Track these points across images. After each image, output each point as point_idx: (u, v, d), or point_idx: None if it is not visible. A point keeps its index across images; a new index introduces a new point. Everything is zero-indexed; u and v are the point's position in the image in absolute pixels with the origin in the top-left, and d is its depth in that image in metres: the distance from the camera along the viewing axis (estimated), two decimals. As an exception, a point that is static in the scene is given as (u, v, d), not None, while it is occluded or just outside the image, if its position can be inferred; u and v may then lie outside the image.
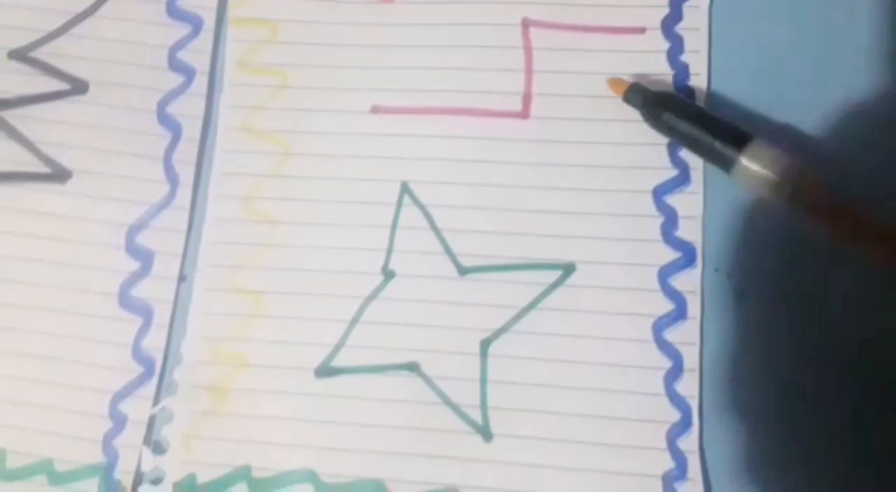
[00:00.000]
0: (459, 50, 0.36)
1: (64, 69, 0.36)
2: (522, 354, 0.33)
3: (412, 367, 0.33)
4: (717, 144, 0.32)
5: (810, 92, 0.34)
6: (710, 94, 0.35)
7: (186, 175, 0.35)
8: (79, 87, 0.36)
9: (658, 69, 0.35)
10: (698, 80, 0.35)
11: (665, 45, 0.35)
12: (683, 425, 0.32)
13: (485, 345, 0.33)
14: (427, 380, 0.33)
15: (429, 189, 0.35)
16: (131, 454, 0.33)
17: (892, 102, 0.34)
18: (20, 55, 0.36)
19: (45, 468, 0.33)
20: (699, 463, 0.31)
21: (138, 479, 0.33)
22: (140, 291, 0.34)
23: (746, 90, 0.35)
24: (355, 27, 0.36)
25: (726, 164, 0.32)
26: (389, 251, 0.35)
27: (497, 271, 0.34)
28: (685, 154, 0.34)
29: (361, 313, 0.34)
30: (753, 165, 0.31)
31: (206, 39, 0.37)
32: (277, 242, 0.35)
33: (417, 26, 0.36)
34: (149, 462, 0.33)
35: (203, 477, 0.33)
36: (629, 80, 0.34)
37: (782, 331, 0.32)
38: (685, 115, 0.33)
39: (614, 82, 0.34)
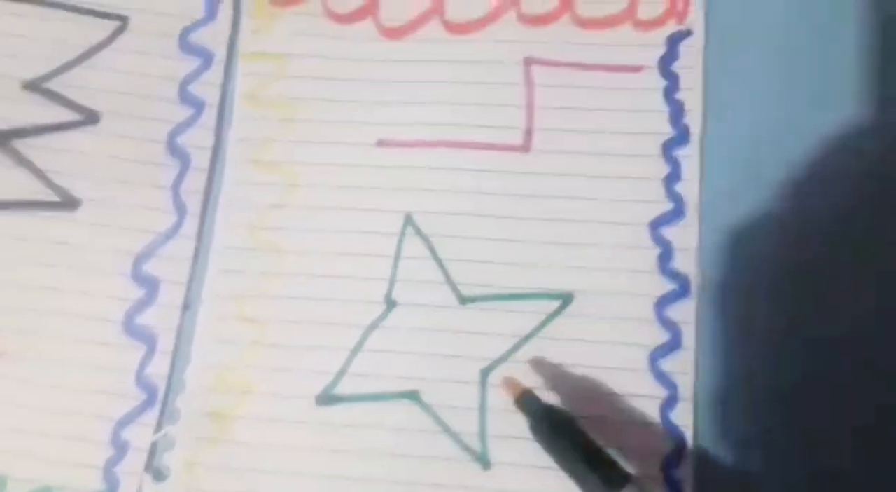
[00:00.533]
0: (464, 86, 0.37)
1: (76, 100, 0.37)
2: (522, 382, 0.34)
3: (412, 395, 0.34)
4: (592, 480, 0.30)
5: (803, 125, 0.35)
6: (705, 131, 0.36)
7: (194, 205, 0.36)
8: (91, 117, 0.37)
9: (654, 106, 0.36)
10: (692, 117, 0.36)
11: (662, 82, 0.36)
12: (678, 454, 0.32)
13: (484, 373, 0.34)
14: (427, 408, 0.34)
15: (432, 220, 0.36)
16: (132, 482, 0.33)
17: (881, 135, 0.35)
18: (35, 86, 0.37)
19: (45, 495, 0.33)
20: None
21: (139, 506, 0.33)
22: (145, 318, 0.35)
23: (741, 128, 0.36)
24: (363, 63, 0.38)
25: None
26: (392, 280, 0.35)
27: (497, 301, 0.35)
28: (681, 187, 0.35)
29: (363, 342, 0.34)
30: None
31: (216, 73, 0.38)
32: (283, 270, 0.35)
33: (423, 63, 0.37)
34: (149, 490, 0.33)
35: (204, 505, 0.33)
36: (524, 386, 0.32)
37: (780, 361, 0.33)
38: (567, 438, 0.31)
39: (509, 382, 0.33)
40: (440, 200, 0.36)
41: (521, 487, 0.32)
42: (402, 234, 0.36)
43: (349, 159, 0.37)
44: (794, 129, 0.35)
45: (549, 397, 0.32)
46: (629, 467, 0.32)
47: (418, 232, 0.36)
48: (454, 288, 0.35)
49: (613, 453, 0.32)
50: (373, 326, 0.35)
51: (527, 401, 0.32)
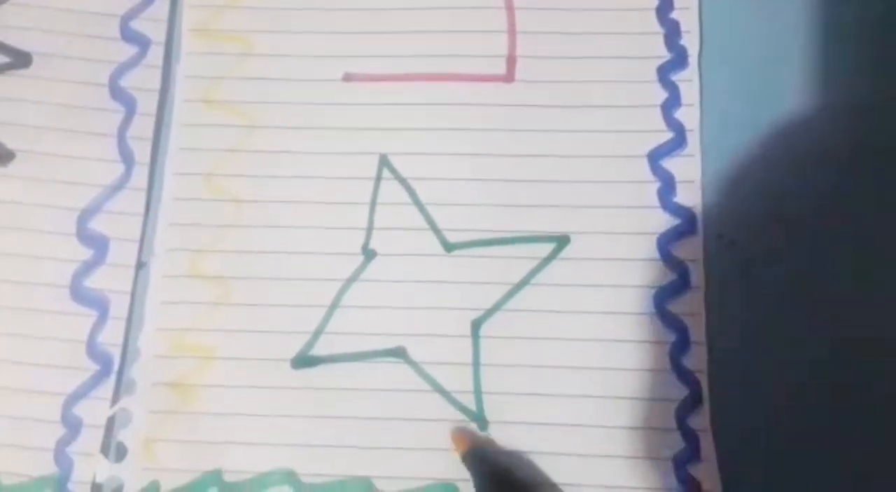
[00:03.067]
0: (437, 11, 0.34)
1: (4, 41, 0.33)
2: (516, 333, 0.30)
3: (398, 353, 0.31)
4: None
5: (806, 44, 0.33)
6: (702, 55, 0.33)
7: (142, 153, 0.32)
8: (21, 60, 0.33)
9: (648, 27, 0.33)
10: (689, 39, 0.33)
11: (654, 2, 0.33)
12: (692, 402, 0.29)
13: (476, 325, 0.31)
14: (415, 366, 0.30)
15: (409, 161, 0.32)
16: (87, 463, 0.30)
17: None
18: (-47, 26, 0.33)
19: (-11, 483, 0.30)
20: (712, 442, 0.29)
21: (95, 490, 0.30)
22: (94, 281, 0.31)
23: (740, 49, 0.33)
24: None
25: None
26: (369, 229, 0.32)
27: (486, 246, 0.31)
28: (681, 114, 0.32)
29: (341, 297, 0.31)
30: None
31: (161, 6, 0.34)
32: (243, 222, 0.32)
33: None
34: (106, 471, 0.30)
35: (168, 484, 0.30)
36: (473, 441, 0.29)
37: (791, 299, 0.30)
38: None
39: (457, 436, 0.29)
40: (417, 139, 0.33)
41: (522, 446, 0.29)
42: (378, 178, 0.32)
43: (313, 97, 0.33)
44: (796, 47, 0.33)
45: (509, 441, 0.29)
46: (641, 419, 0.29)
47: (395, 175, 0.32)
48: (438, 234, 0.32)
49: (622, 405, 0.29)
50: (351, 280, 0.31)
51: (472, 457, 0.29)
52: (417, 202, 0.32)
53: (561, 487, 0.29)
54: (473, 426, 0.30)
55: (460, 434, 0.29)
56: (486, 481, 0.28)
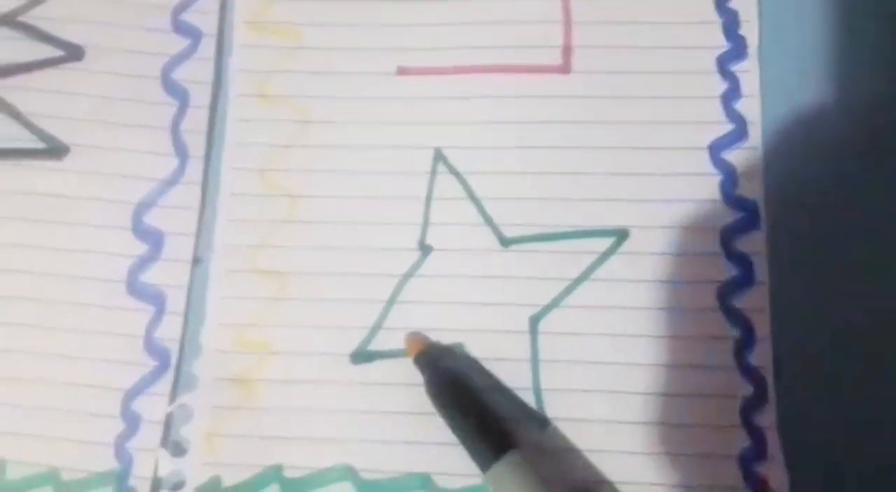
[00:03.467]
0: (491, 2, 0.33)
1: (57, 34, 0.33)
2: (575, 329, 0.30)
3: (456, 348, 0.30)
4: (473, 447, 0.28)
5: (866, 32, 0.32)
6: (761, 44, 0.32)
7: (196, 147, 0.32)
8: (74, 53, 0.33)
9: (706, 16, 0.32)
10: (748, 28, 0.32)
11: (714, -11, 0.33)
12: (758, 399, 0.29)
13: (534, 321, 0.30)
14: (473, 362, 0.30)
15: (464, 155, 0.32)
16: (147, 458, 0.30)
17: None
18: (8, 20, 0.33)
19: (50, 479, 0.29)
20: (778, 440, 0.29)
21: (156, 485, 0.29)
22: (150, 276, 0.31)
23: (799, 38, 0.32)
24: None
25: (482, 465, 0.28)
26: (425, 225, 0.31)
27: (543, 241, 0.31)
28: (741, 106, 0.32)
29: (398, 293, 0.31)
30: (504, 477, 0.27)
31: (212, -3, 0.34)
32: (300, 218, 0.32)
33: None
34: (167, 466, 0.30)
35: (229, 480, 0.30)
36: (424, 344, 0.30)
37: (858, 293, 0.30)
38: (457, 402, 0.29)
39: (410, 339, 0.30)
40: (472, 132, 0.32)
41: (583, 444, 0.29)
42: (433, 172, 0.32)
43: (366, 91, 0.33)
44: (856, 35, 0.32)
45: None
46: (705, 416, 0.29)
47: (450, 169, 0.32)
48: (495, 229, 0.31)
49: (686, 401, 0.29)
50: (408, 275, 0.31)
51: (424, 359, 0.29)
52: (473, 197, 0.32)
53: (623, 485, 0.29)
54: (534, 424, 0.29)
55: (412, 338, 0.30)
56: (432, 378, 0.29)
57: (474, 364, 0.30)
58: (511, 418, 0.29)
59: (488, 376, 0.30)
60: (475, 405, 0.28)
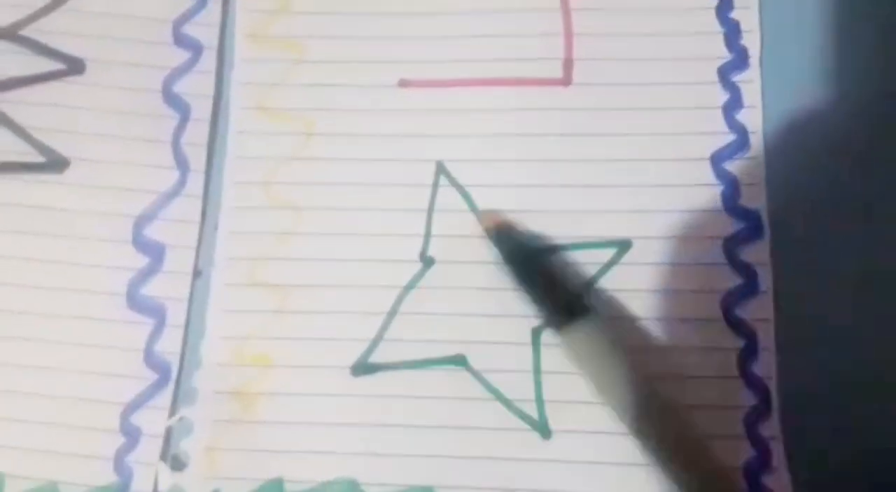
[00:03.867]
0: (492, 15, 0.33)
1: (57, 48, 0.33)
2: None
3: (459, 360, 0.30)
4: (549, 308, 0.29)
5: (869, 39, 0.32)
6: (763, 54, 0.32)
7: (197, 160, 0.32)
8: (75, 66, 0.33)
9: (707, 27, 0.32)
10: (750, 38, 0.32)
11: (714, 1, 0.33)
12: (762, 409, 0.29)
13: (536, 333, 0.30)
14: (475, 374, 0.30)
15: (466, 168, 0.32)
16: (147, 472, 0.29)
17: None
18: (8, 34, 0.33)
19: (49, 493, 0.29)
20: (782, 451, 0.28)
21: (156, 499, 0.29)
22: (151, 289, 0.31)
23: (801, 48, 0.32)
24: (374, -9, 0.34)
25: (557, 328, 0.29)
26: (427, 236, 0.31)
27: (545, 253, 0.31)
28: (742, 116, 0.32)
29: (399, 305, 0.31)
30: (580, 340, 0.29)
31: (213, 11, 0.33)
32: (301, 230, 0.31)
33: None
34: (167, 480, 0.29)
35: (229, 494, 0.29)
36: (502, 220, 0.31)
37: (863, 302, 0.30)
38: (533, 268, 0.30)
39: (487, 215, 0.31)
40: (474, 144, 0.32)
41: (587, 456, 0.29)
42: (435, 184, 0.32)
43: (369, 103, 0.33)
44: (857, 45, 0.32)
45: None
46: (709, 427, 0.29)
47: (452, 182, 0.32)
48: (496, 240, 0.31)
49: (691, 413, 0.29)
50: (409, 287, 0.31)
51: (503, 237, 0.30)
52: (475, 209, 0.32)
53: (629, 497, 0.29)
54: (536, 436, 0.29)
55: (489, 214, 0.31)
56: (511, 251, 0.30)
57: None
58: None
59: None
60: (550, 273, 0.30)
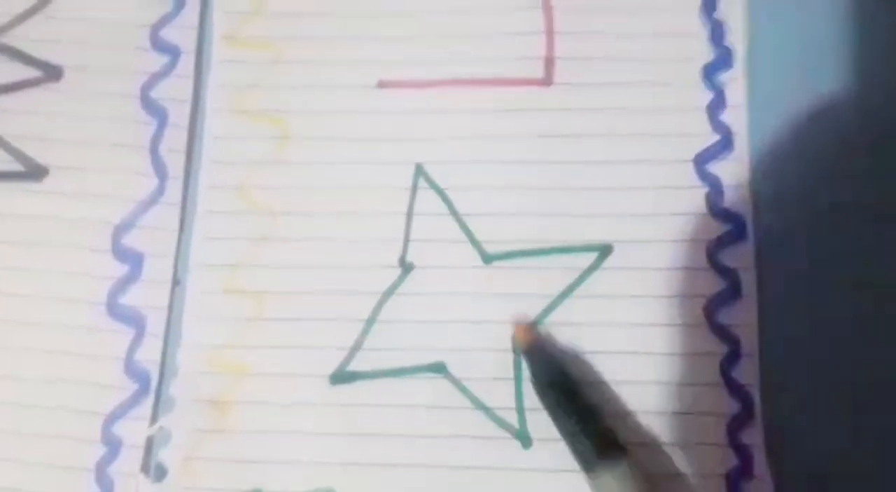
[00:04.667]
0: (472, 14, 0.32)
1: (34, 54, 0.32)
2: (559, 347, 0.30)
3: (438, 368, 0.30)
4: (584, 450, 0.28)
5: (854, 38, 0.31)
6: (748, 53, 0.31)
7: (176, 167, 0.32)
8: (52, 73, 0.32)
9: (691, 26, 0.32)
10: (735, 37, 0.32)
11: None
12: (744, 416, 0.28)
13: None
14: (455, 382, 0.30)
15: (446, 170, 0.31)
16: (128, 483, 0.29)
17: None
18: (-15, 43, 0.33)
19: (31, 504, 0.29)
20: (765, 458, 0.28)
21: (137, 509, 0.29)
22: (130, 298, 0.31)
23: (787, 48, 0.31)
24: (355, -5, 0.33)
25: (586, 467, 0.27)
26: (406, 241, 0.31)
27: (526, 257, 0.30)
28: (726, 116, 0.31)
29: (379, 311, 0.30)
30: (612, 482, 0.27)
31: (191, 14, 0.33)
32: (278, 235, 0.31)
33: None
34: (147, 490, 0.29)
35: (208, 504, 0.29)
36: (536, 335, 0.29)
37: (847, 307, 0.29)
38: (568, 402, 0.28)
39: (521, 329, 0.29)
40: (454, 146, 0.32)
41: (567, 464, 0.28)
42: (414, 187, 0.31)
43: (347, 105, 0.32)
44: (845, 41, 0.31)
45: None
46: (691, 435, 0.28)
47: (431, 184, 0.31)
48: (477, 246, 0.31)
49: (671, 419, 0.28)
50: (388, 293, 0.30)
51: (534, 354, 0.29)
52: (454, 212, 0.31)
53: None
54: (516, 444, 0.29)
55: (523, 328, 0.29)
56: (541, 374, 0.28)
57: (574, 356, 0.29)
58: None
59: (586, 365, 0.29)
60: (584, 409, 0.28)
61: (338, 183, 0.32)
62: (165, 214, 0.31)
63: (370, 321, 0.30)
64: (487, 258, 0.31)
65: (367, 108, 0.32)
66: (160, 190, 0.32)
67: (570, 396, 0.28)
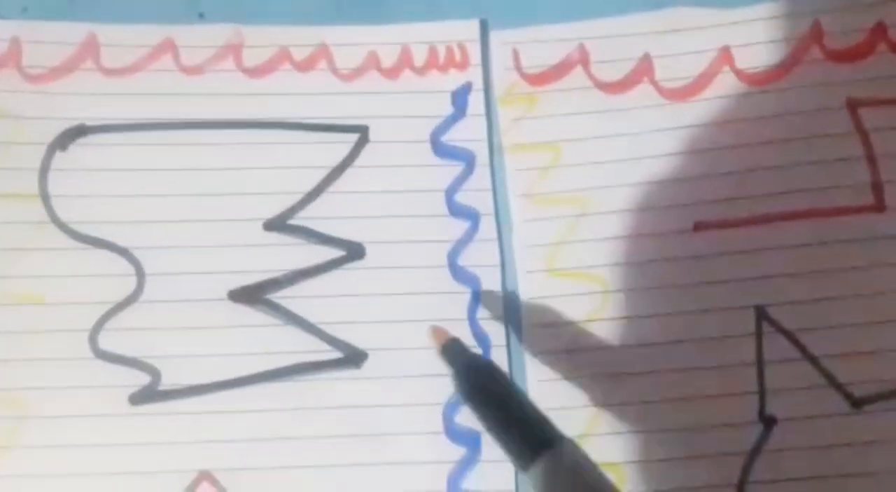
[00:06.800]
0: (788, 143, 0.31)
1: (331, 233, 0.31)
2: None
3: None
4: (510, 444, 0.25)
5: None
6: None
7: (497, 335, 0.30)
8: (354, 251, 0.31)
9: None
10: None
11: None
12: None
13: None
14: None
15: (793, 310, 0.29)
16: None
17: None
18: (278, 225, 0.31)
19: None
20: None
21: None
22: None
23: None
24: (656, 135, 0.32)
25: (522, 464, 0.25)
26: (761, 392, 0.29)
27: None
28: None
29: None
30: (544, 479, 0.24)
31: (481, 175, 0.32)
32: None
33: (723, 124, 0.31)
34: None
35: None
36: (450, 335, 0.28)
37: None
38: (492, 396, 0.26)
39: (436, 331, 0.28)
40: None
41: None
42: (759, 333, 0.29)
43: (666, 251, 0.30)
44: None
45: None
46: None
47: (777, 327, 0.29)
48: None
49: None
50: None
51: (452, 352, 0.27)
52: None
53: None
54: None
55: (437, 330, 0.28)
56: (462, 371, 0.26)
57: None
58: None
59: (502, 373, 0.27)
60: (510, 401, 0.26)
61: (671, 339, 0.29)
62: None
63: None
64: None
65: (684, 253, 0.30)
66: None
67: (498, 395, 0.26)
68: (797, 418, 0.28)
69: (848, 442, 0.28)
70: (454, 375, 0.27)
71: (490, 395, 0.26)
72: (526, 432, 0.25)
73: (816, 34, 0.32)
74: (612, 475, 0.27)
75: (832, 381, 0.29)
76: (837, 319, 0.29)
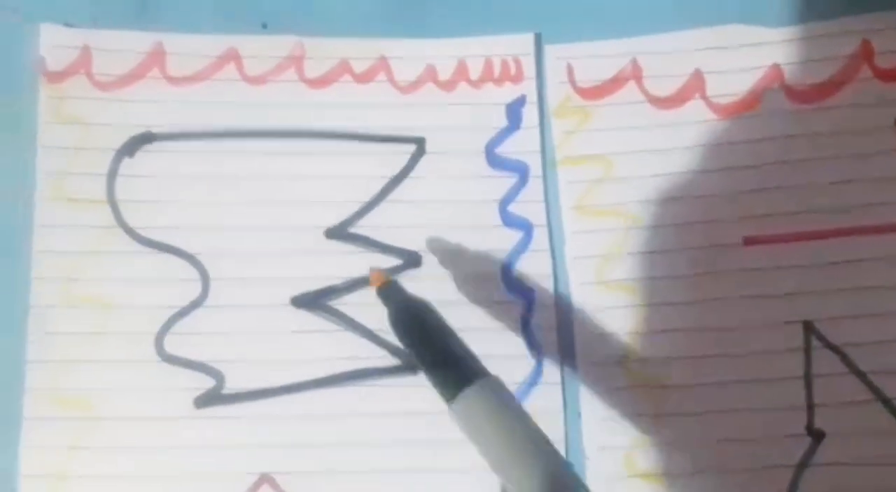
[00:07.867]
0: (837, 160, 0.32)
1: (389, 242, 0.32)
2: None
3: None
4: (437, 377, 0.26)
5: None
6: None
7: (550, 345, 0.31)
8: (411, 259, 0.32)
9: None
10: None
11: None
12: None
13: None
14: None
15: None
16: None
17: None
18: (339, 233, 0.32)
19: None
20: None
21: None
22: None
23: None
24: (707, 150, 0.32)
25: (449, 395, 0.26)
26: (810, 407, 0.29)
27: None
28: None
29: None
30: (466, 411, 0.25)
31: (535, 186, 0.32)
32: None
33: (774, 140, 0.32)
34: None
35: None
36: (388, 277, 0.28)
37: None
38: (423, 332, 0.27)
39: (374, 274, 0.29)
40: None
41: None
42: (808, 348, 0.30)
43: (716, 264, 0.31)
44: None
45: None
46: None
47: (825, 343, 0.30)
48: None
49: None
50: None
51: (389, 292, 0.28)
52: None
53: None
54: None
55: (376, 274, 0.29)
56: (398, 310, 0.28)
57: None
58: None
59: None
60: (442, 338, 0.27)
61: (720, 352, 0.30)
62: (547, 398, 0.30)
63: None
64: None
65: (736, 266, 0.31)
66: (538, 371, 0.30)
67: (429, 330, 0.27)
68: (845, 432, 0.29)
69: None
70: (389, 313, 0.28)
71: (423, 332, 0.27)
72: (452, 368, 0.26)
73: (866, 53, 0.33)
74: (658, 486, 0.29)
75: (880, 395, 0.29)
76: (886, 336, 0.30)
